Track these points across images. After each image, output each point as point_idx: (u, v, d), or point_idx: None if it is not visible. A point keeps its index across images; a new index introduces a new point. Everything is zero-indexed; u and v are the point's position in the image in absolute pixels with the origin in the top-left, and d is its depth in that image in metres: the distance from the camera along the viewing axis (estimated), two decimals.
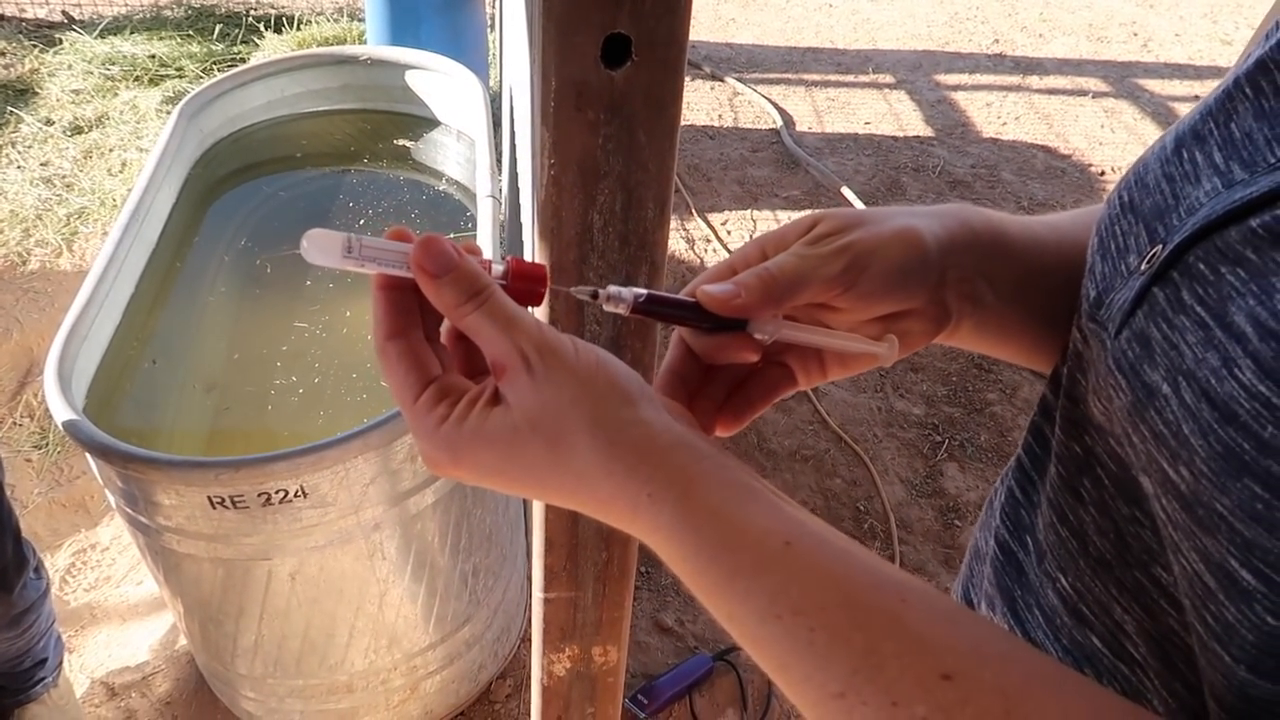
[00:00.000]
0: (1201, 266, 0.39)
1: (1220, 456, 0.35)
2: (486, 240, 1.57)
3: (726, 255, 2.96)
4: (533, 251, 0.88)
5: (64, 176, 3.09)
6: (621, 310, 0.45)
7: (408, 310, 0.43)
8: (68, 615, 1.93)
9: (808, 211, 0.54)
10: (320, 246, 0.41)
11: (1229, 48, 4.58)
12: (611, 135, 0.65)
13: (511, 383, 0.40)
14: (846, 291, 0.47)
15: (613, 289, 0.46)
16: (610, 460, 0.39)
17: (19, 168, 3.11)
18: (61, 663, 1.66)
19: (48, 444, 2.27)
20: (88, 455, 1.27)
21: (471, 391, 0.42)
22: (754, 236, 0.55)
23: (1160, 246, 0.42)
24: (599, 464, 0.40)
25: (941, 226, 0.50)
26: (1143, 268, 0.42)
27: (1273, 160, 0.39)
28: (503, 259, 0.44)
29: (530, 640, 1.97)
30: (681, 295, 0.48)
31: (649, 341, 0.80)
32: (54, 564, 2.03)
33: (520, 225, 1.69)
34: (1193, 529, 0.37)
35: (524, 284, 0.43)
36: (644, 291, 0.46)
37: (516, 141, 1.70)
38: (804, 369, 0.51)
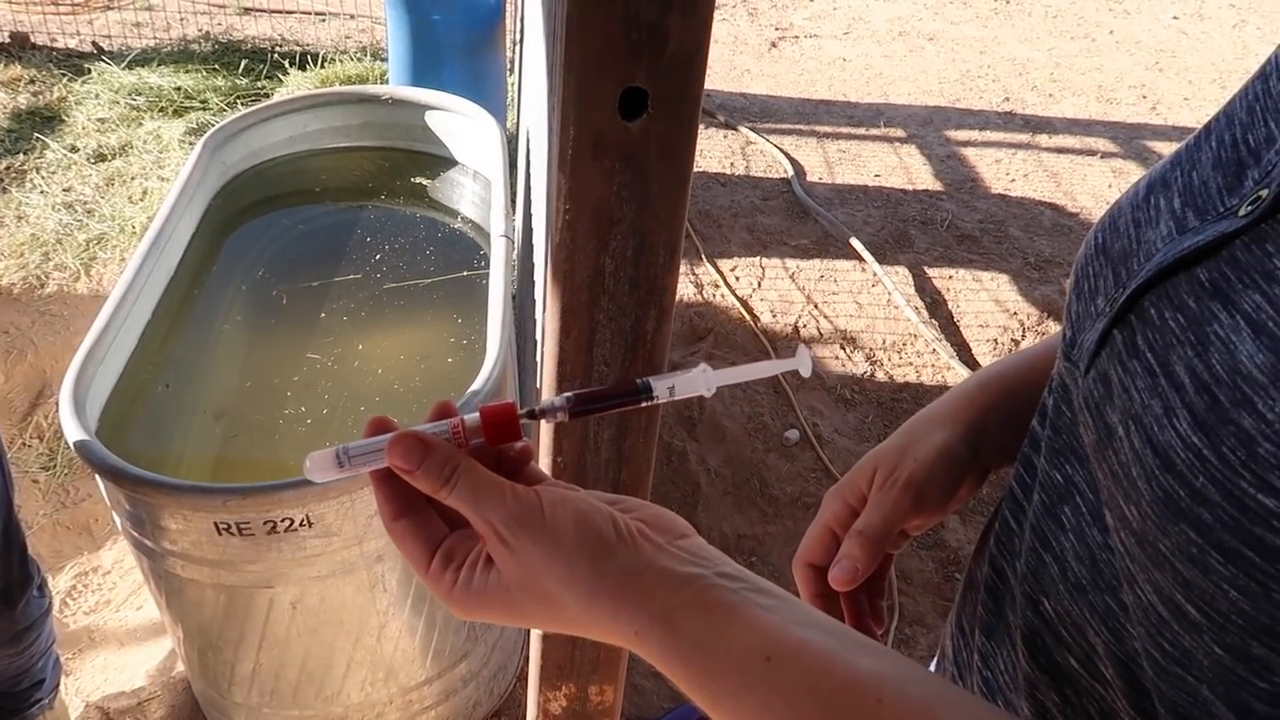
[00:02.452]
0: (1152, 312, 0.41)
1: (1161, 501, 0.37)
2: (498, 279, 1.60)
3: (735, 301, 2.99)
4: (544, 292, 0.91)
5: (85, 202, 3.15)
6: (561, 418, 0.49)
7: (404, 489, 0.47)
8: (66, 637, 1.93)
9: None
10: (318, 465, 0.46)
11: None
12: (626, 183, 0.67)
13: (494, 551, 0.45)
14: (918, 513, 0.63)
15: (544, 403, 0.49)
16: (592, 608, 0.44)
17: (42, 192, 3.17)
18: (59, 685, 1.66)
19: (55, 465, 2.29)
20: (97, 477, 1.28)
21: (473, 554, 0.46)
22: (830, 490, 0.69)
23: (1121, 290, 0.44)
24: (583, 612, 0.44)
25: (964, 425, 0.65)
26: (1106, 310, 0.45)
27: (1222, 209, 0.41)
28: (477, 408, 0.48)
29: (526, 679, 1.96)
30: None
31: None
32: (55, 586, 2.04)
33: (532, 265, 1.72)
34: (1146, 563, 0.39)
35: (495, 431, 0.47)
36: (571, 394, 0.49)
37: (532, 184, 1.73)
38: None
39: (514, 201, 2.28)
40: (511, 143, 3.01)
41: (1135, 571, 0.40)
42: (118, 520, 1.36)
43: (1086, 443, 0.45)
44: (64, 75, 3.86)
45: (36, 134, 3.45)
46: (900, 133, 4.21)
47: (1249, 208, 0.39)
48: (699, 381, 0.49)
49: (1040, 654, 0.50)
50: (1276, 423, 0.34)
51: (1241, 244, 0.38)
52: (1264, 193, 0.39)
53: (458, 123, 2.18)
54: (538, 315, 1.47)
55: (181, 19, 4.34)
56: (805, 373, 0.51)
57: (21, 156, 3.35)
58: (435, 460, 0.45)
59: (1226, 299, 0.38)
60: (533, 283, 1.68)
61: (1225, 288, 0.38)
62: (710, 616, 0.42)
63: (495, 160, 1.95)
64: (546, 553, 0.44)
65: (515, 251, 2.03)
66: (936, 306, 3.10)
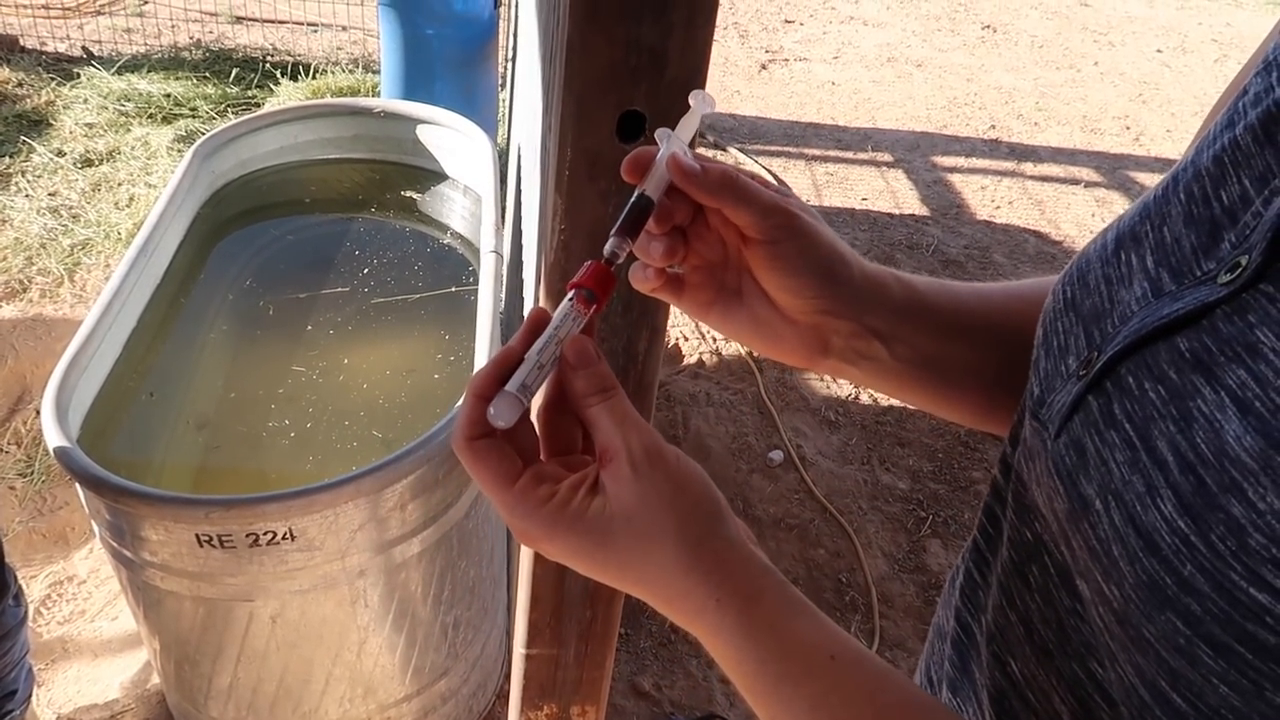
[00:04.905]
0: (1131, 381, 0.39)
1: (1145, 586, 0.35)
2: (487, 295, 1.60)
3: None
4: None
5: (71, 207, 3.13)
6: (628, 248, 0.52)
7: (485, 419, 0.47)
8: (39, 648, 1.91)
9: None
10: (505, 411, 0.46)
11: None
12: (621, 205, 0.67)
13: (615, 474, 0.45)
14: (767, 243, 0.53)
15: (607, 252, 0.52)
16: (692, 561, 0.45)
17: (27, 196, 3.15)
18: (31, 696, 1.63)
19: (33, 472, 2.26)
20: (78, 486, 1.27)
21: (574, 477, 0.46)
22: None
23: (1096, 353, 0.42)
24: (679, 563, 0.45)
25: (864, 279, 0.56)
26: (1079, 373, 0.42)
27: (1199, 273, 0.39)
28: (578, 283, 0.50)
29: (506, 698, 1.94)
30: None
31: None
32: (29, 595, 2.01)
33: (520, 282, 1.71)
34: (1128, 644, 0.37)
35: (600, 284, 0.50)
36: (614, 235, 0.52)
37: (523, 200, 1.73)
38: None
39: (503, 217, 2.28)
40: (501, 158, 3.02)
41: (1116, 650, 0.38)
42: (97, 530, 1.34)
43: (1056, 509, 0.42)
44: (52, 79, 3.84)
45: (23, 137, 3.43)
46: (887, 157, 4.24)
47: (1228, 275, 0.37)
48: (674, 144, 0.53)
49: (1005, 716, 0.48)
50: (1268, 513, 0.32)
51: (1223, 314, 0.37)
52: (1243, 259, 0.37)
53: (449, 137, 2.18)
54: None
55: (173, 26, 4.34)
56: (707, 108, 0.55)
57: (7, 160, 3.33)
58: (602, 370, 0.48)
59: (1209, 372, 0.36)
60: (521, 299, 1.68)
61: (1208, 360, 0.36)
62: (784, 605, 0.44)
63: (486, 176, 1.95)
64: (672, 492, 0.45)
65: (504, 268, 2.03)
66: None
